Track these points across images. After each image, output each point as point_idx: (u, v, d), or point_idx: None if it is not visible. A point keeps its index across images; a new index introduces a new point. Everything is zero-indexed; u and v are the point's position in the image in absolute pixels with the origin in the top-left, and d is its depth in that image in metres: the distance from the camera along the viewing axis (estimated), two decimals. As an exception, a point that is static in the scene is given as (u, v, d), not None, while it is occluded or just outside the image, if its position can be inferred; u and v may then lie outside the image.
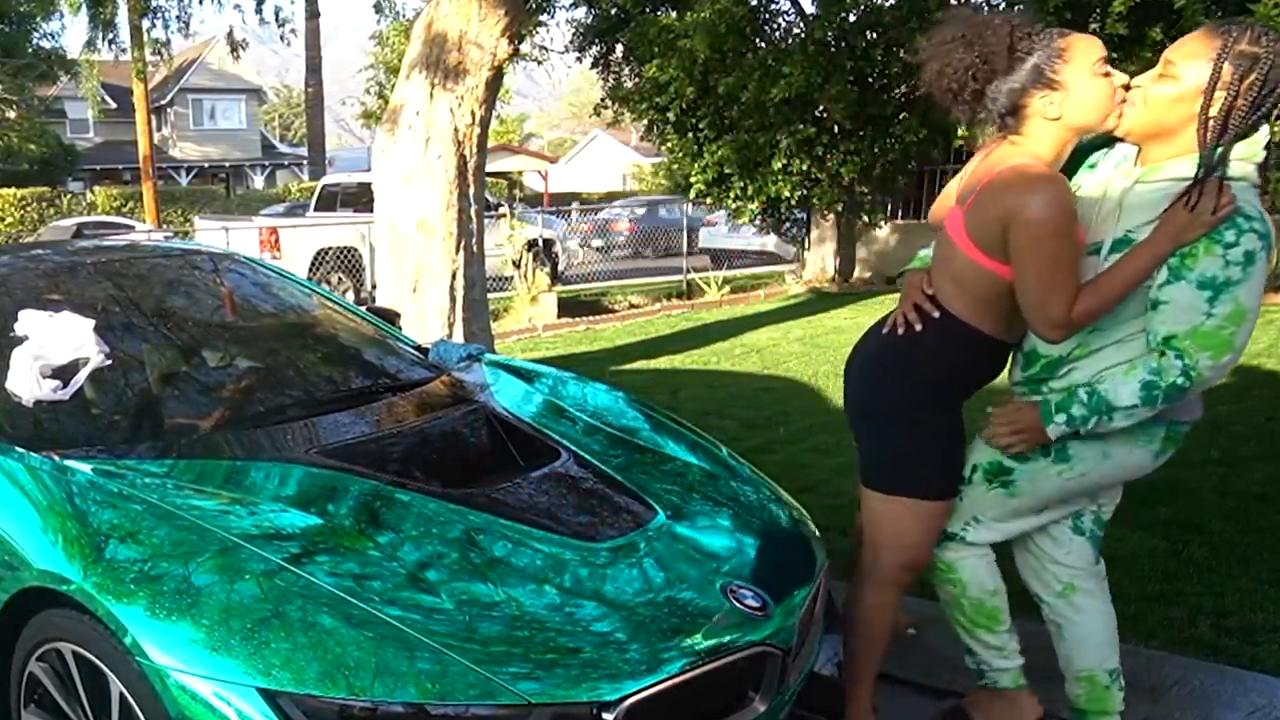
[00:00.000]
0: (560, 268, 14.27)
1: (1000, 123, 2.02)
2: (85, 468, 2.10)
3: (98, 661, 1.80)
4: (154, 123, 27.69)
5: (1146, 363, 1.88)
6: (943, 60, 2.01)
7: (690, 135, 11.64)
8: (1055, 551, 2.19)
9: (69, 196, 27.06)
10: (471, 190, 5.55)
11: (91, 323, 2.48)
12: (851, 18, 10.64)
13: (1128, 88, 1.95)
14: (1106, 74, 1.94)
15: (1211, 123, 1.82)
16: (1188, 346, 1.84)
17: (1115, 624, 2.24)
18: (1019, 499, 2.10)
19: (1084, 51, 1.93)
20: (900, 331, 2.12)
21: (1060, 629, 2.22)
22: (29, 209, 25.11)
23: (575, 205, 19.40)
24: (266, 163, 39.14)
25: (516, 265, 11.73)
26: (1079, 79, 1.93)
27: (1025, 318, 1.98)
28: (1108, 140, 2.04)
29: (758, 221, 12.69)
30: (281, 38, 25.92)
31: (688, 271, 13.29)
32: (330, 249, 12.39)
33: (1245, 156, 1.85)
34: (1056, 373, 2.03)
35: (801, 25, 11.52)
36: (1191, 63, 1.84)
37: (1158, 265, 1.87)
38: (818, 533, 2.39)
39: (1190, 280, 1.83)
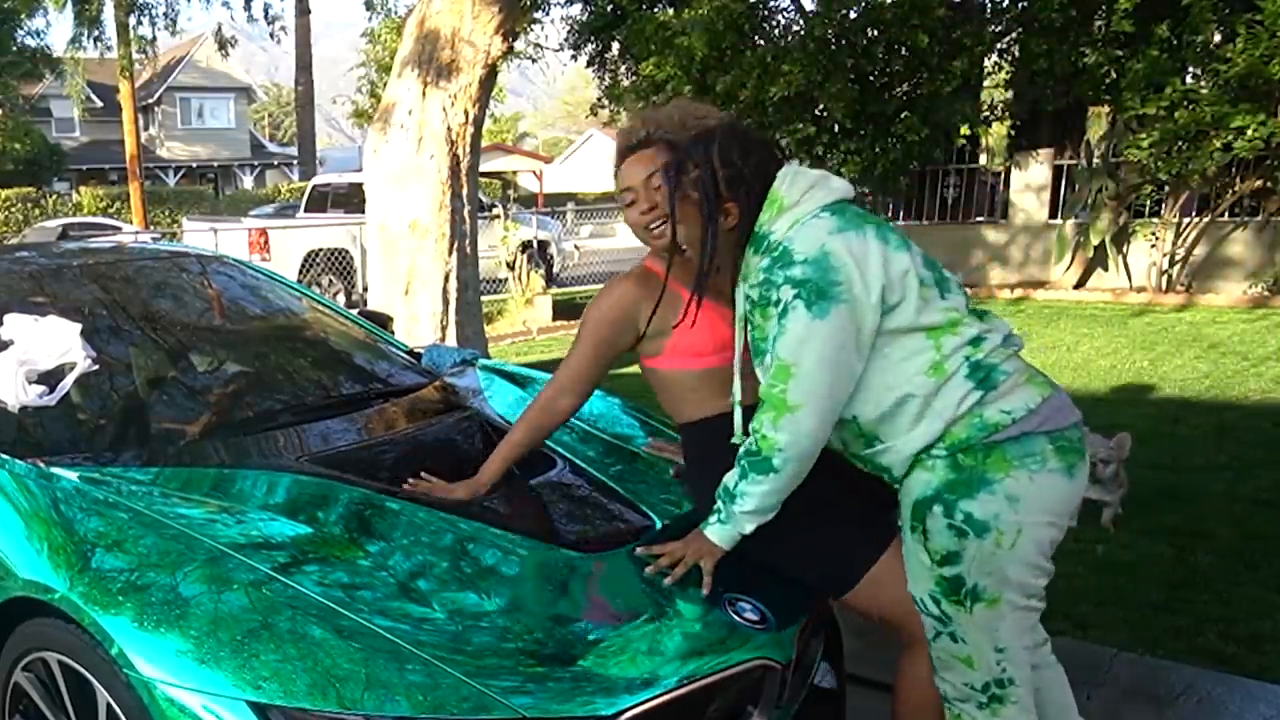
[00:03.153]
0: (555, 269, 14.23)
1: None
2: (71, 475, 2.06)
3: (84, 672, 1.77)
4: (141, 122, 27.59)
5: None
6: None
7: (688, 134, 11.61)
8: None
9: (54, 197, 26.95)
10: (465, 191, 5.52)
11: (78, 326, 2.44)
12: (852, 15, 10.65)
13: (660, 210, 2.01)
14: (630, 204, 2.00)
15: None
16: (758, 410, 1.83)
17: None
18: (1004, 598, 1.79)
19: (618, 182, 2.04)
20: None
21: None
22: (13, 210, 25.00)
23: (571, 206, 19.36)
24: (256, 162, 39.01)
25: (510, 267, 11.70)
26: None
27: None
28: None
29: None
30: (271, 35, 25.83)
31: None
32: (321, 251, 12.34)
33: (773, 216, 1.85)
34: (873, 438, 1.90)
35: (801, 22, 11.54)
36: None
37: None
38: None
39: (759, 342, 1.84)
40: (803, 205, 1.84)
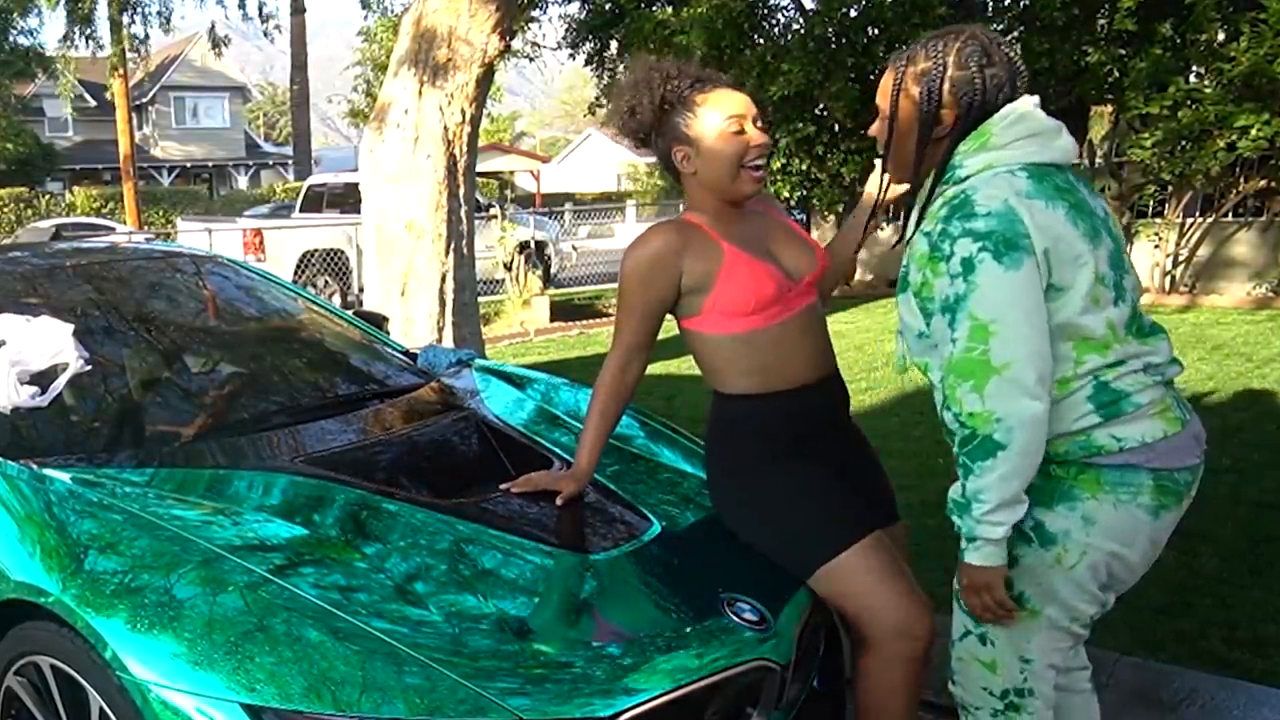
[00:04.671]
0: (553, 270, 14.20)
1: (675, 179, 2.06)
2: (64, 476, 2.05)
3: (77, 676, 1.75)
4: (135, 121, 27.47)
5: None
6: (613, 104, 2.07)
7: (687, 134, 11.58)
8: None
9: (47, 197, 26.86)
10: (461, 191, 5.50)
11: (70, 327, 2.43)
12: (852, 13, 10.63)
13: (769, 147, 1.97)
14: (738, 132, 1.93)
15: (902, 154, 1.77)
16: (949, 386, 1.63)
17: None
18: (1045, 613, 1.74)
19: (716, 106, 1.94)
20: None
21: None
22: (6, 210, 24.94)
23: (568, 206, 19.31)
24: (250, 162, 38.94)
25: (508, 268, 11.68)
26: (707, 135, 1.94)
27: None
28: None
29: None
30: (265, 34, 25.76)
31: (681, 274, 13.19)
32: (316, 251, 12.29)
33: (973, 149, 1.70)
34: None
35: (801, 21, 11.52)
36: (885, 98, 1.79)
37: None
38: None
39: (935, 310, 1.66)
40: (1007, 152, 1.67)
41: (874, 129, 1.84)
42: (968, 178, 1.68)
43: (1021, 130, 1.68)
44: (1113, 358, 1.65)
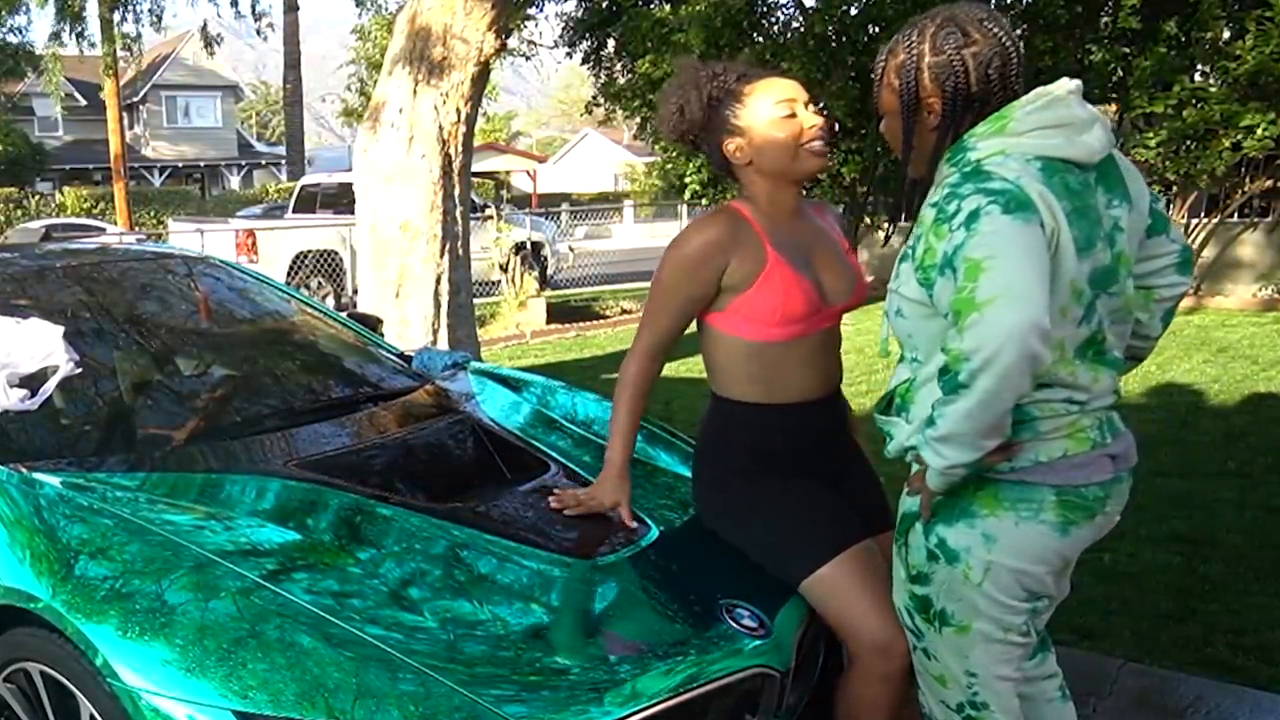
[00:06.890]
0: (549, 272, 14.18)
1: (728, 178, 2.04)
2: (54, 481, 2.03)
3: (67, 682, 1.74)
4: (126, 121, 27.38)
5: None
6: (661, 109, 2.05)
7: (685, 133, 11.56)
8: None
9: (37, 197, 26.70)
10: (457, 191, 5.48)
11: (61, 329, 2.40)
12: (853, 11, 10.59)
13: (828, 128, 1.95)
14: (790, 115, 1.92)
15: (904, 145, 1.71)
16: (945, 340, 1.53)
17: None
18: (975, 627, 1.70)
19: (764, 93, 1.93)
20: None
21: None
22: (-4, 210, 24.81)
23: (565, 207, 19.28)
24: (243, 162, 38.85)
25: (504, 269, 11.66)
26: (757, 122, 1.93)
27: None
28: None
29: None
30: (258, 32, 25.66)
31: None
32: (309, 252, 12.27)
33: (989, 132, 1.61)
34: (883, 404, 1.79)
35: (801, 19, 11.48)
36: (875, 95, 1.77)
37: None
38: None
39: (938, 272, 1.55)
40: (1024, 140, 1.57)
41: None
42: (978, 160, 1.59)
43: (1046, 119, 1.58)
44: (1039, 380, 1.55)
